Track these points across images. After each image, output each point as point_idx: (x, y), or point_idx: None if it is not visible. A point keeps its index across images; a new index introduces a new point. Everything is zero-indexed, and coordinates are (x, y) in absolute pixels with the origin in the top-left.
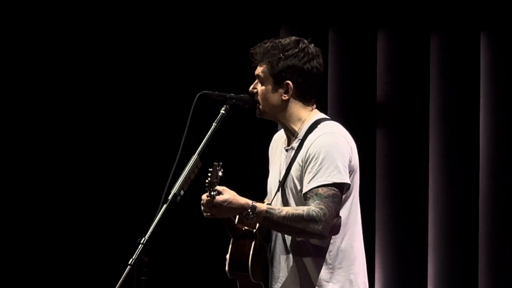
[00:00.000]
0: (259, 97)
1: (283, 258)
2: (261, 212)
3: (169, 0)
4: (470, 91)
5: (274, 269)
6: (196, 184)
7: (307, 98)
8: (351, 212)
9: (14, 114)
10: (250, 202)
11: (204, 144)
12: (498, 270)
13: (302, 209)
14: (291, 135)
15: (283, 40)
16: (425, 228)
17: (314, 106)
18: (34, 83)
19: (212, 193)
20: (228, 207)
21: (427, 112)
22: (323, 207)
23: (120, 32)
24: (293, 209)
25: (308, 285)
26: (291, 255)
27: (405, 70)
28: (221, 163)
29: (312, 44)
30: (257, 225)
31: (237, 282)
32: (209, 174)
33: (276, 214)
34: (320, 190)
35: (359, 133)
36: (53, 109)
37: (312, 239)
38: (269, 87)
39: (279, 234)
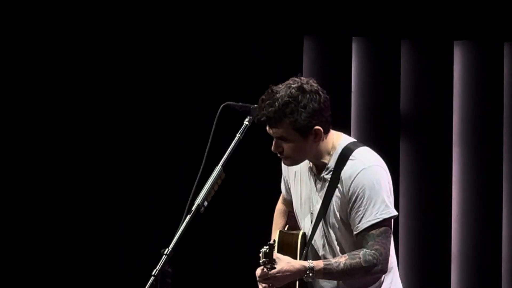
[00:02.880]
0: (288, 153)
1: (328, 284)
2: (319, 270)
3: (194, 12)
4: (494, 102)
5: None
6: (220, 195)
7: (328, 129)
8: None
9: (29, 114)
10: (306, 264)
11: (228, 155)
12: None
13: (358, 257)
14: (320, 166)
15: (288, 92)
16: (449, 238)
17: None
18: (47, 85)
19: (268, 266)
20: (285, 275)
21: (451, 122)
22: (378, 247)
23: (144, 43)
24: (350, 258)
25: None
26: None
27: (429, 80)
28: (276, 241)
29: (309, 79)
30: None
31: None
32: (266, 251)
33: (335, 269)
34: (372, 231)
35: (383, 144)
36: (78, 121)
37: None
38: (298, 141)
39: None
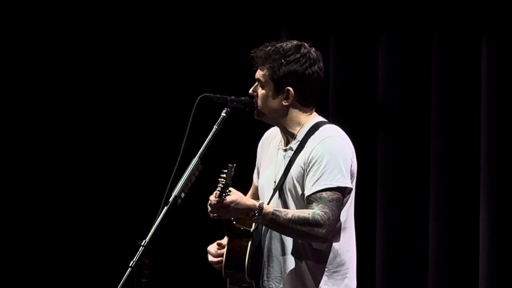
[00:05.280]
0: (258, 100)
1: (280, 258)
2: (267, 213)
3: (170, 2)
4: (472, 93)
5: (271, 269)
6: (197, 187)
7: (308, 103)
8: (349, 217)
9: (13, 114)
10: (256, 203)
11: (205, 146)
12: (498, 273)
13: (307, 212)
14: (289, 137)
15: (285, 44)
16: (426, 230)
17: (313, 109)
18: (33, 83)
19: (224, 194)
20: (236, 208)
21: (428, 114)
22: (327, 210)
23: (121, 35)
24: (299, 211)
25: (303, 286)
26: (288, 256)
27: (407, 72)
28: (235, 164)
29: (313, 48)
30: (254, 224)
31: (227, 280)
32: (224, 176)
33: (282, 217)
34: (324, 193)
35: (360, 135)
36: (54, 111)
37: (314, 243)
38: (270, 91)
39: (277, 234)
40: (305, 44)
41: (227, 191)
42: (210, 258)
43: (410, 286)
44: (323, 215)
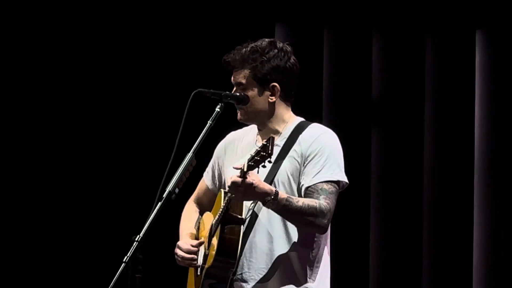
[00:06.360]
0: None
1: (266, 250)
2: (281, 199)
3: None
4: (465, 90)
5: (253, 260)
6: (191, 182)
7: (289, 97)
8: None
9: (11, 113)
10: (273, 188)
11: (199, 142)
12: (492, 273)
13: (315, 202)
14: (272, 134)
15: (259, 43)
16: (420, 228)
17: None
18: (28, 82)
19: (262, 165)
20: (254, 191)
21: (422, 111)
22: (329, 202)
23: (116, 31)
24: (308, 200)
25: (288, 279)
26: (276, 248)
27: (400, 69)
28: (275, 137)
29: (287, 43)
30: (244, 214)
31: (207, 266)
32: (264, 148)
33: (294, 204)
34: (325, 185)
35: (353, 132)
36: (47, 106)
37: (310, 231)
38: (254, 91)
39: (263, 227)
40: (277, 40)
41: (267, 161)
42: (180, 253)
43: (404, 286)
44: (326, 206)
